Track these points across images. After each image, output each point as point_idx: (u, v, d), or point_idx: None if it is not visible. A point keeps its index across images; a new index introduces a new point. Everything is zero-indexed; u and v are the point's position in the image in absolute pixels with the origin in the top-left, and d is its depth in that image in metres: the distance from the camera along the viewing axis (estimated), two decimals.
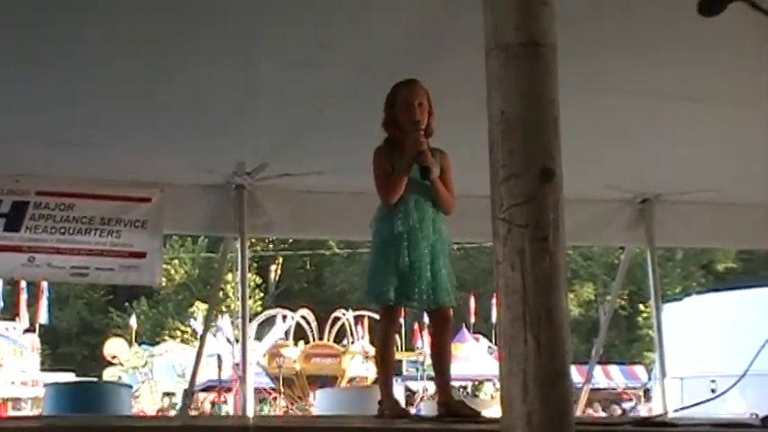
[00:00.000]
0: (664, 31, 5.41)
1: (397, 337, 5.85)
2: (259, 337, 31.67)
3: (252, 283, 44.94)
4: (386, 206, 5.06)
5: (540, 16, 2.81)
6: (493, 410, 5.02)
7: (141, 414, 22.58)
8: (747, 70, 6.01)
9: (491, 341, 35.40)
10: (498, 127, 2.78)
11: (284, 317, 34.00)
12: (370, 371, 29.87)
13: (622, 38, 5.53)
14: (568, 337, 2.73)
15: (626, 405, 34.74)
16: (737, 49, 5.56)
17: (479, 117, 2.93)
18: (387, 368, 5.38)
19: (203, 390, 29.53)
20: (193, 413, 19.14)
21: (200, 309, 43.12)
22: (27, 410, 30.60)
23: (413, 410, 13.57)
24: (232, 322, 31.36)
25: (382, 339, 5.43)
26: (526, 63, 2.77)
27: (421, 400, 26.79)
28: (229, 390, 28.48)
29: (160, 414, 27.13)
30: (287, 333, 33.45)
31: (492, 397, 27.42)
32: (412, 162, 4.99)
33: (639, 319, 45.15)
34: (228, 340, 30.30)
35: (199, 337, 21.26)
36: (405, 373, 33.69)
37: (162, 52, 5.62)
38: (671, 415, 7.81)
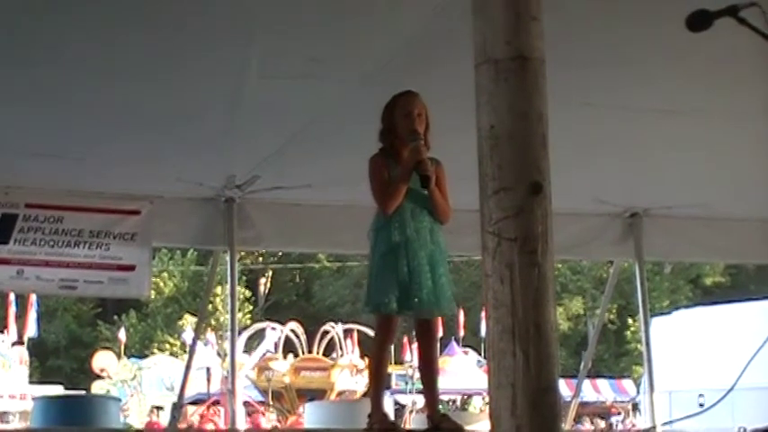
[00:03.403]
0: (653, 45, 5.43)
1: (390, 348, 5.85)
2: (248, 350, 31.58)
3: (241, 296, 44.82)
4: (383, 216, 5.07)
5: (528, 31, 2.83)
6: (482, 424, 5.02)
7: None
8: (736, 85, 6.03)
9: (480, 355, 35.37)
10: (487, 141, 2.79)
11: (273, 328, 33.93)
12: (359, 384, 29.85)
13: (611, 52, 5.54)
14: (557, 350, 2.74)
15: (613, 419, 34.72)
16: (726, 63, 5.58)
17: (468, 130, 2.94)
18: (380, 379, 5.39)
19: (192, 403, 29.43)
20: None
21: (189, 322, 42.98)
22: (15, 424, 30.44)
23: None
24: (221, 336, 31.29)
25: (378, 349, 5.41)
26: (515, 77, 2.79)
27: (410, 413, 26.72)
28: (218, 403, 28.39)
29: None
30: (276, 346, 33.37)
31: (481, 410, 27.37)
32: (411, 171, 5.00)
33: (628, 333, 45.16)
34: (218, 354, 30.22)
35: (188, 350, 21.21)
36: (394, 386, 33.61)
37: (152, 64, 5.62)
38: (659, 429, 7.83)
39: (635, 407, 34.46)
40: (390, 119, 5.14)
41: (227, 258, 8.74)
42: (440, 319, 5.33)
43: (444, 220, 5.15)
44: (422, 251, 5.00)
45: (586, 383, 29.40)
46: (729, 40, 3.83)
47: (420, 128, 5.04)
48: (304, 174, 7.78)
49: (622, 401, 36.98)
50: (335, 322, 34.29)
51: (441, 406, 5.51)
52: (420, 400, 27.69)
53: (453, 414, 6.54)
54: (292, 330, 34.27)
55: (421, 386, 5.99)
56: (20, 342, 35.38)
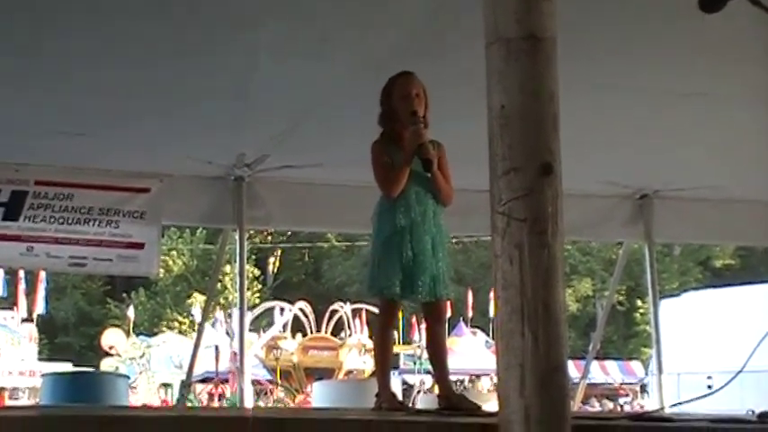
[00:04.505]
0: (664, 27, 5.41)
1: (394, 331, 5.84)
2: (255, 329, 31.62)
3: (250, 275, 44.86)
4: (387, 200, 5.06)
5: (540, 10, 2.81)
6: (490, 404, 5.02)
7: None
8: (747, 67, 6.01)
9: (488, 335, 35.36)
10: (498, 121, 2.78)
11: (282, 309, 33.97)
12: (367, 364, 29.85)
13: (623, 34, 5.53)
14: (566, 331, 2.73)
15: (622, 400, 34.73)
16: (737, 45, 5.55)
17: (478, 111, 2.93)
18: (385, 361, 5.38)
19: (201, 381, 29.51)
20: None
21: (197, 300, 43.07)
22: (24, 400, 30.56)
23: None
24: (229, 315, 31.35)
25: (381, 333, 5.42)
26: (526, 57, 2.77)
27: (418, 393, 26.75)
28: (226, 381, 28.45)
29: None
30: (284, 326, 33.43)
31: (488, 391, 27.41)
32: (413, 155, 4.98)
33: (637, 314, 45.14)
34: (227, 332, 30.26)
35: (196, 328, 21.26)
36: (402, 366, 33.63)
37: (162, 44, 5.62)
38: (667, 410, 7.82)
39: (643, 388, 34.49)
40: (389, 102, 5.11)
41: (237, 237, 8.76)
42: (448, 301, 5.30)
43: (447, 202, 5.13)
44: (426, 235, 4.99)
45: (594, 365, 29.38)
46: (742, 21, 3.82)
47: (419, 108, 5.02)
48: (314, 153, 7.78)
49: (630, 383, 36.98)
50: (344, 302, 34.30)
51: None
52: (428, 380, 27.78)
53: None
54: (301, 309, 34.32)
55: (429, 366, 5.98)
56: (29, 319, 35.49)
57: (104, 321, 46.13)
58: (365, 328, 33.04)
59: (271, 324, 32.95)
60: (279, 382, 30.74)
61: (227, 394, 27.57)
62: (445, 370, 5.33)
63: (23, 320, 35.03)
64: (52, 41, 5.55)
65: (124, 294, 49.54)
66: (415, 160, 5.00)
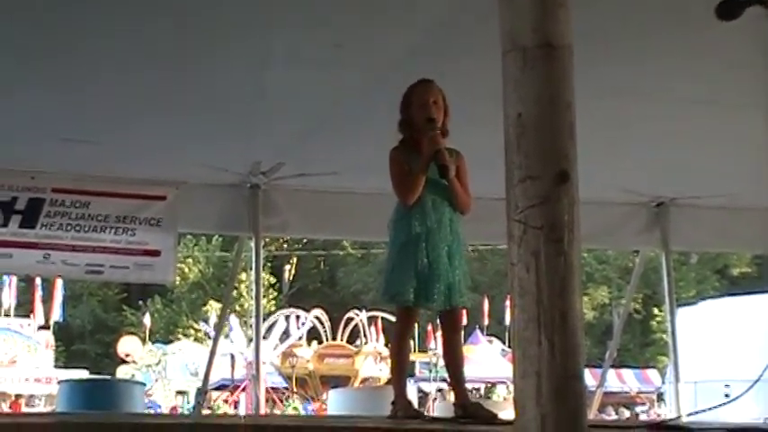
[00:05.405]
0: (680, 35, 5.40)
1: (410, 339, 5.83)
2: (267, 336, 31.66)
3: (266, 283, 44.91)
4: (403, 206, 5.05)
5: (556, 18, 2.80)
6: (506, 413, 5.00)
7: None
8: (763, 75, 5.99)
9: (504, 343, 35.34)
10: (514, 129, 2.78)
11: (297, 317, 34.00)
12: (383, 371, 29.88)
13: (640, 42, 5.52)
14: (582, 339, 2.72)
15: (638, 409, 34.64)
16: (753, 53, 5.53)
17: (495, 119, 2.93)
18: (401, 369, 5.37)
19: (216, 389, 29.56)
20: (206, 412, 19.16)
21: (213, 308, 43.14)
22: (41, 407, 30.67)
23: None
24: (245, 322, 31.40)
25: (397, 340, 5.41)
26: (542, 65, 2.77)
27: (434, 401, 26.74)
28: (242, 389, 28.50)
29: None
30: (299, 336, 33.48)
31: (504, 399, 27.36)
32: (430, 161, 4.97)
33: (654, 323, 45.00)
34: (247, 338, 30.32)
35: (212, 336, 21.30)
36: (417, 374, 33.64)
37: (178, 52, 5.64)
38: (684, 419, 7.79)
39: (660, 397, 34.38)
40: (407, 109, 5.12)
41: (252, 245, 8.76)
42: (463, 309, 5.29)
43: (464, 210, 5.12)
44: (442, 243, 4.97)
45: (611, 373, 29.30)
46: (757, 30, 3.80)
47: (437, 116, 5.02)
48: (329, 161, 7.79)
49: (647, 392, 36.89)
50: (360, 309, 34.35)
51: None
52: (444, 388, 27.76)
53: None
54: (316, 317, 34.35)
55: (445, 374, 5.97)
56: (46, 326, 35.62)
57: (120, 329, 46.25)
58: (381, 335, 33.07)
59: (287, 335, 32.94)
60: (295, 389, 30.78)
61: (242, 401, 27.63)
62: (461, 378, 5.31)
63: (40, 328, 35.16)
64: (68, 50, 5.57)
65: (140, 302, 49.65)
66: (432, 169, 4.99)
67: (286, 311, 35.33)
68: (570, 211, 2.72)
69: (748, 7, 3.35)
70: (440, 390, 29.74)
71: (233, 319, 32.67)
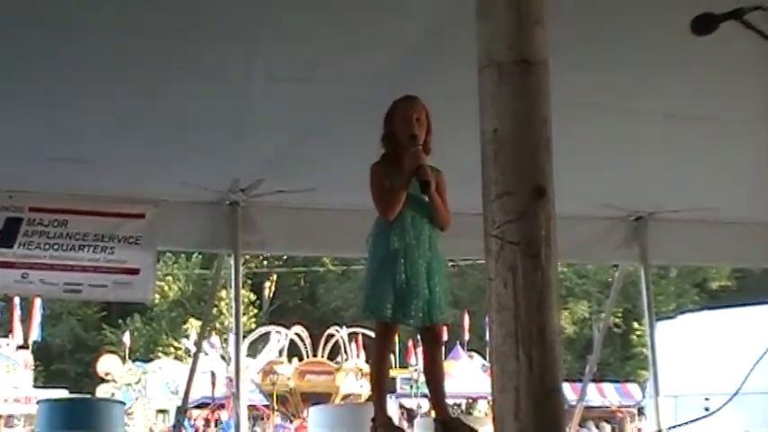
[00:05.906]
0: (659, 49, 5.43)
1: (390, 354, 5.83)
2: (252, 354, 31.59)
3: (246, 300, 44.85)
4: (383, 222, 5.05)
5: (532, 35, 2.82)
6: (487, 428, 5.00)
7: None
8: (742, 89, 6.03)
9: (485, 359, 35.36)
10: (490, 145, 2.79)
11: (278, 332, 33.96)
12: (364, 388, 29.84)
13: (617, 55, 5.53)
14: (561, 353, 2.73)
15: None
16: (732, 68, 5.57)
17: (472, 134, 2.94)
18: (381, 385, 5.36)
19: (197, 407, 29.46)
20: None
21: (193, 325, 43.03)
22: (20, 427, 30.52)
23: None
24: (225, 340, 31.33)
25: (377, 356, 5.40)
26: (518, 81, 2.79)
27: (414, 417, 26.71)
28: (222, 407, 28.42)
29: None
30: (280, 351, 33.42)
31: (486, 414, 27.36)
32: (411, 177, 4.97)
33: (633, 336, 45.16)
34: (222, 357, 30.26)
35: (192, 354, 21.23)
36: (398, 390, 33.61)
37: (157, 68, 5.62)
38: None
39: (640, 411, 34.44)
40: (390, 125, 5.12)
41: (232, 262, 8.73)
42: (444, 325, 5.29)
43: (444, 226, 5.11)
44: (421, 259, 4.96)
45: (591, 387, 29.39)
46: (735, 44, 3.82)
47: (419, 132, 5.02)
48: (308, 177, 7.79)
49: (628, 405, 36.95)
50: (340, 326, 34.32)
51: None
52: (425, 404, 27.72)
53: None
54: (297, 334, 34.30)
55: (426, 390, 5.96)
56: (24, 346, 35.46)
57: (100, 347, 46.10)
58: (362, 351, 33.04)
59: (268, 348, 32.91)
60: (275, 407, 30.70)
61: (224, 420, 27.55)
62: (442, 393, 5.31)
63: (19, 347, 35.01)
64: (47, 67, 5.55)
65: (120, 320, 49.52)
66: (413, 185, 4.99)
67: (266, 329, 35.28)
68: (547, 227, 2.73)
69: (723, 22, 3.36)
70: (419, 406, 29.73)
71: (215, 339, 32.64)
